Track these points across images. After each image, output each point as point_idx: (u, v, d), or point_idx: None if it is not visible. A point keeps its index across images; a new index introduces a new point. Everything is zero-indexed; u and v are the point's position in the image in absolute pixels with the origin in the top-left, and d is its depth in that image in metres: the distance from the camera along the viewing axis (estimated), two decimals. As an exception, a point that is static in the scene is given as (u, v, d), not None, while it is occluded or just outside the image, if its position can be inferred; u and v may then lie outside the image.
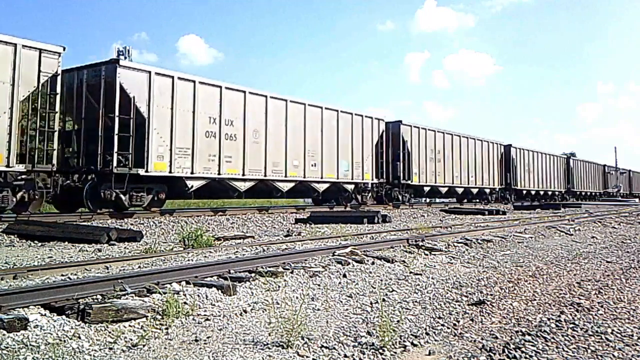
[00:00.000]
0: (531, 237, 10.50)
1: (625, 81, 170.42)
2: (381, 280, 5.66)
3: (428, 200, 27.10)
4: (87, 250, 7.87)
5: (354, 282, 5.50)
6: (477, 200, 28.38)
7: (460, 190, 26.43)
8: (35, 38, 11.79)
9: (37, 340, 3.24)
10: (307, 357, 3.14)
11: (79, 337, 3.36)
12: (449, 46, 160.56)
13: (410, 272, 6.15)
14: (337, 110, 18.94)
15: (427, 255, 7.52)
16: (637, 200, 46.12)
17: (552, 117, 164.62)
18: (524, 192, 32.39)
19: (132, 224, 11.61)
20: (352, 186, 19.77)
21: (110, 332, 3.49)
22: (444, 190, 25.15)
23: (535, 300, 4.82)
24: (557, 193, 37.15)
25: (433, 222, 15.03)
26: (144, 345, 3.29)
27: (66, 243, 8.69)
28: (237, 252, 7.56)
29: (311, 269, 5.74)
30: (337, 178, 18.79)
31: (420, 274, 6.05)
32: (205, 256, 7.01)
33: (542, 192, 34.57)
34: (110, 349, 3.23)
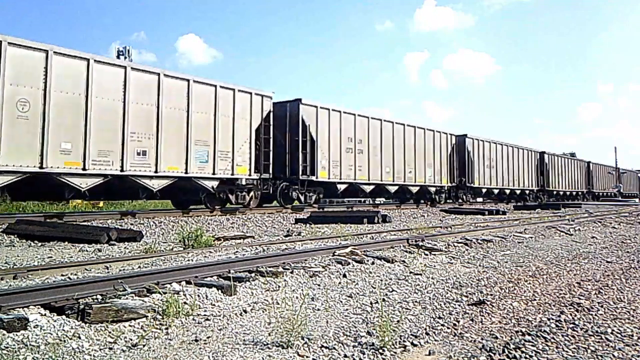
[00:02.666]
0: (531, 237, 10.50)
1: (625, 81, 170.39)
2: (381, 280, 5.66)
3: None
4: (87, 250, 7.88)
5: (354, 282, 5.50)
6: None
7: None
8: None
9: (37, 340, 3.24)
10: (307, 357, 3.14)
11: (79, 337, 3.36)
12: (449, 46, 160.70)
13: (410, 272, 6.15)
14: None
15: (427, 255, 7.52)
16: (637, 200, 46.13)
17: (552, 117, 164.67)
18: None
19: (132, 224, 11.61)
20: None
21: (110, 332, 3.49)
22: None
23: (535, 300, 4.82)
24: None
25: (433, 222, 15.03)
26: (144, 345, 3.29)
27: (66, 243, 8.70)
28: (237, 252, 7.55)
29: (311, 269, 5.74)
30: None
31: (420, 274, 6.05)
32: (205, 256, 7.02)
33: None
34: (110, 349, 3.23)
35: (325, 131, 18.04)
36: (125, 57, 19.84)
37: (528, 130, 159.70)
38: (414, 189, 23.04)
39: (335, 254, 6.73)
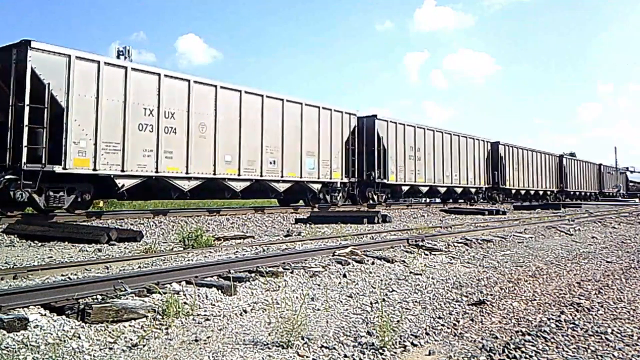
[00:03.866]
0: (531, 237, 10.50)
1: (625, 81, 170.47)
2: (381, 280, 5.66)
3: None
4: (87, 250, 7.88)
5: (354, 282, 5.50)
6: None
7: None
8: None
9: (37, 340, 3.24)
10: (307, 357, 3.14)
11: (79, 337, 3.36)
12: (449, 46, 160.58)
13: (410, 272, 6.15)
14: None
15: (427, 255, 7.52)
16: (637, 200, 46.08)
17: (552, 117, 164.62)
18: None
19: (132, 224, 11.61)
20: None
21: (110, 332, 3.49)
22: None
23: (535, 300, 4.82)
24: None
25: (433, 222, 15.04)
26: (144, 345, 3.29)
27: (66, 243, 8.70)
28: (237, 252, 7.55)
29: (311, 269, 5.74)
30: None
31: (420, 274, 6.05)
32: (205, 256, 7.02)
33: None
34: (110, 349, 3.23)
35: (91, 96, 11.60)
36: (125, 57, 19.76)
37: (528, 130, 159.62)
38: (282, 187, 16.40)
39: (335, 254, 6.73)
